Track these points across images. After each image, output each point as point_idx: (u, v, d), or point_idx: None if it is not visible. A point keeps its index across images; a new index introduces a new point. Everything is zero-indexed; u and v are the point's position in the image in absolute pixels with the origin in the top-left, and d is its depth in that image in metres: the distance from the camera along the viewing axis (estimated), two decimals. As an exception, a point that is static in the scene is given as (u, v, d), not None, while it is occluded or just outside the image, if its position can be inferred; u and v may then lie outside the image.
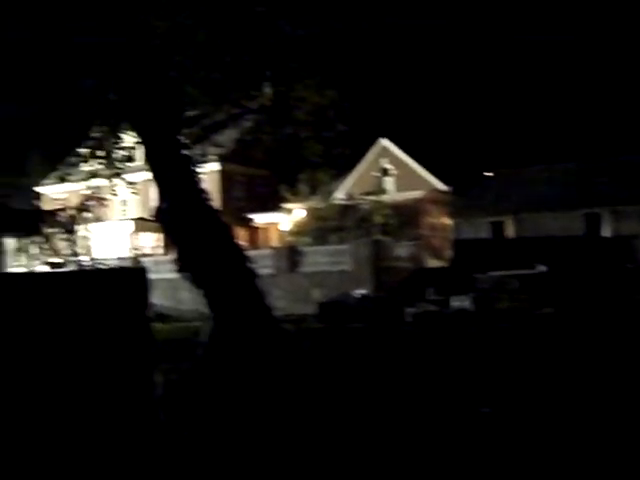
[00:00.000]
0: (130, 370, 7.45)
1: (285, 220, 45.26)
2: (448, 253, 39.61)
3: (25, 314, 6.83)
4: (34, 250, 14.37)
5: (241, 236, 12.94)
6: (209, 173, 12.43)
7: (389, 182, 45.72)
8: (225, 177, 47.23)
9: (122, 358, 7.30)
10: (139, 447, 7.41)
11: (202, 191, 12.43)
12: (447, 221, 44.10)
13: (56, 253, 14.00)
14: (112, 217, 47.37)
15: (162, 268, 38.26)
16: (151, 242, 49.00)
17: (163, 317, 27.99)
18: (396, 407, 10.24)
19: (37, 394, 6.94)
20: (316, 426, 9.30)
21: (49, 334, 6.90)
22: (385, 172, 45.95)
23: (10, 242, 14.61)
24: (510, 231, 42.04)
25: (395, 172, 45.58)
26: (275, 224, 47.73)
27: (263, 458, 8.09)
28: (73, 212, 13.45)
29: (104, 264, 31.66)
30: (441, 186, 44.27)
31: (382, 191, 43.77)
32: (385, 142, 45.62)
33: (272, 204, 46.03)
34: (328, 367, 13.70)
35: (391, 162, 45.74)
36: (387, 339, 19.25)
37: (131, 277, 7.55)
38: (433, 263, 38.37)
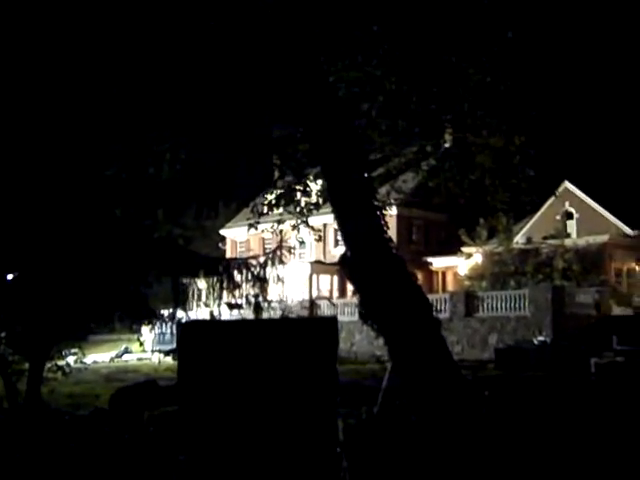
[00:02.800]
0: (321, 412, 7.65)
1: (462, 264, 44.88)
2: (636, 300, 37.92)
3: (241, 357, 7.36)
4: (223, 294, 15.04)
5: (419, 280, 13.01)
6: (388, 217, 12.60)
7: (572, 226, 44.43)
8: (404, 221, 47.54)
9: (315, 402, 7.53)
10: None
11: (388, 240, 12.57)
12: (635, 267, 42.26)
13: (246, 297, 14.60)
14: (290, 259, 48.71)
15: (338, 310, 39.02)
16: (327, 285, 49.95)
17: (339, 359, 28.32)
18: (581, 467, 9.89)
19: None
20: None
21: (264, 374, 7.33)
22: (568, 215, 44.68)
23: (202, 283, 15.35)
24: None
25: (578, 215, 44.24)
26: (453, 268, 47.42)
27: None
28: (262, 260, 13.99)
29: (290, 309, 32.57)
30: (628, 230, 42.53)
31: (565, 235, 42.55)
32: (568, 185, 44.41)
33: (449, 248, 45.82)
34: (509, 419, 13.40)
35: (574, 205, 44.45)
36: (570, 390, 18.57)
37: (325, 326, 7.80)
38: (619, 311, 36.77)
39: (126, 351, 45.64)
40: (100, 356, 42.20)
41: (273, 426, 7.60)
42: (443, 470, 9.76)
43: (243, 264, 14.37)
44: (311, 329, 7.75)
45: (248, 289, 14.45)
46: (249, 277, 14.27)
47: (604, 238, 41.32)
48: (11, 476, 10.34)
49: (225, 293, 15.46)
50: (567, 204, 44.58)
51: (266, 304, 15.09)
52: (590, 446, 11.42)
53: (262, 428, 7.60)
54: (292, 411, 7.61)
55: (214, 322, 12.15)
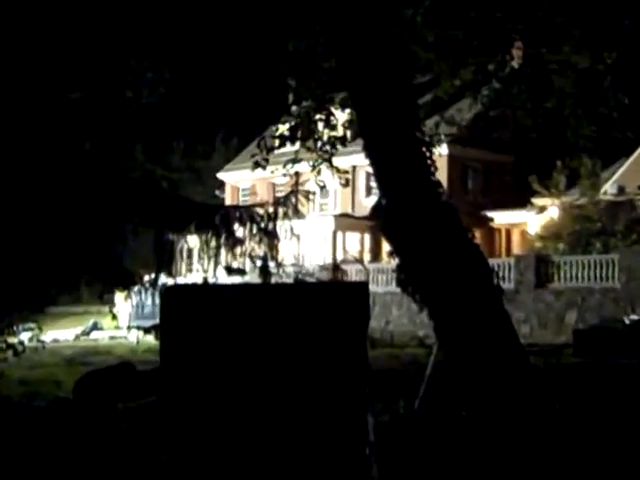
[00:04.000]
0: (346, 406, 7.72)
1: (533, 220, 44.74)
2: None
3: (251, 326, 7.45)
4: (220, 252, 15.04)
5: (476, 238, 12.92)
6: (437, 158, 12.52)
7: (678, 172, 44.14)
8: (457, 163, 47.36)
9: (337, 393, 7.60)
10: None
11: (436, 183, 12.57)
12: None
13: (250, 257, 14.59)
14: (309, 211, 48.79)
15: (370, 278, 39.10)
16: (356, 245, 50.00)
17: (371, 341, 28.51)
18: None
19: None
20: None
21: (271, 356, 7.45)
22: (673, 159, 44.38)
23: (194, 241, 15.38)
24: None
25: (687, 159, 43.96)
26: (520, 225, 47.30)
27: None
28: (271, 208, 13.97)
29: (307, 273, 32.65)
30: None
31: (668, 184, 42.30)
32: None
33: (516, 199, 45.64)
34: (589, 418, 13.47)
35: (682, 146, 44.11)
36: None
37: (353, 294, 7.84)
38: None
39: (95, 327, 46.18)
40: (62, 333, 42.70)
41: (282, 423, 7.68)
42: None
43: (246, 214, 14.37)
44: (334, 297, 7.77)
45: (253, 247, 14.48)
46: (254, 231, 14.29)
47: None
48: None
49: (223, 252, 15.50)
50: (672, 144, 44.28)
51: (276, 267, 15.11)
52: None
53: (268, 425, 7.69)
54: (307, 404, 7.69)
55: (206, 287, 12.20)
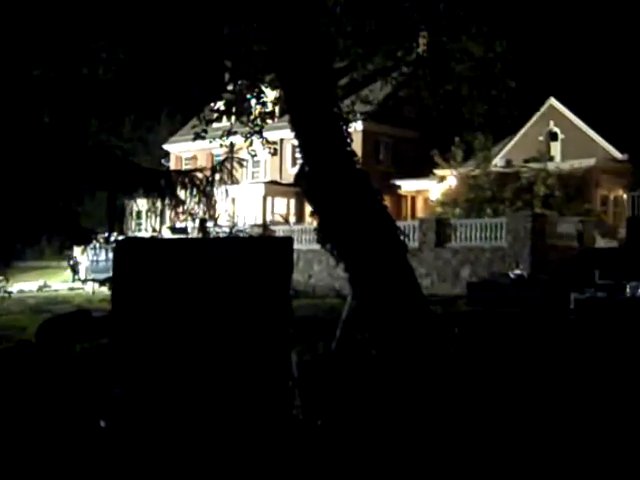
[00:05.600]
0: (272, 344, 7.68)
1: (434, 188, 44.96)
2: (622, 232, 38.41)
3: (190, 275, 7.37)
4: (165, 212, 14.86)
5: (386, 204, 13.01)
6: (353, 132, 12.53)
7: (556, 148, 44.56)
8: (370, 138, 47.34)
9: (265, 332, 7.55)
10: (272, 428, 7.63)
11: (351, 153, 12.52)
12: (622, 194, 42.68)
13: (191, 216, 14.43)
14: (242, 179, 48.46)
15: (295, 237, 38.97)
16: (283, 208, 49.90)
17: (295, 292, 28.47)
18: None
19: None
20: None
21: (208, 300, 7.34)
22: (552, 136, 44.77)
23: (142, 203, 15.16)
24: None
25: (563, 136, 44.38)
26: (423, 192, 47.50)
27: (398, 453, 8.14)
28: (209, 173, 13.83)
29: (240, 230, 32.43)
30: (617, 154, 42.79)
31: (548, 158, 42.67)
32: (554, 102, 44.38)
33: (421, 170, 45.79)
34: (479, 357, 13.60)
35: (559, 125, 44.47)
36: (546, 328, 18.87)
37: (279, 247, 7.78)
38: (604, 242, 37.29)
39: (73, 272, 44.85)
40: (27, 285, 41.97)
41: (218, 357, 7.62)
42: (402, 408, 9.90)
43: (188, 179, 14.17)
44: (263, 249, 7.72)
45: (193, 207, 14.30)
46: (194, 193, 14.11)
47: (590, 162, 41.52)
48: None
49: (168, 213, 15.29)
50: (552, 124, 44.64)
51: (213, 225, 14.98)
52: (563, 386, 11.66)
53: (206, 360, 7.62)
54: (239, 341, 7.63)
55: (153, 240, 12.07)
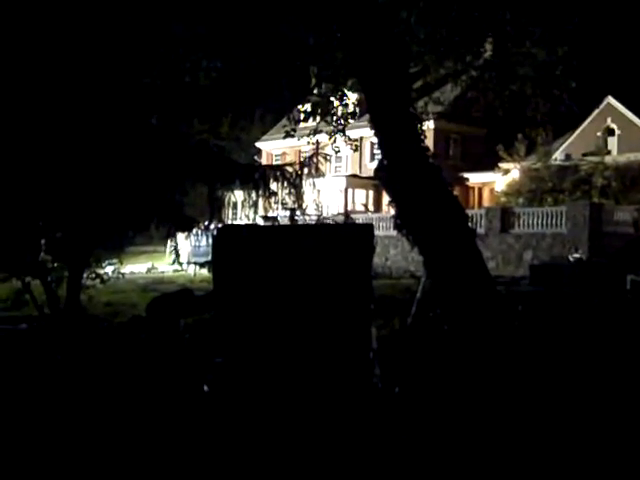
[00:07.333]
0: (355, 318, 7.72)
1: (499, 180, 44.47)
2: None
3: (281, 259, 7.44)
4: (258, 203, 15.06)
5: (455, 194, 13.02)
6: (426, 130, 12.53)
7: (612, 142, 43.58)
8: (441, 135, 47.05)
9: (349, 308, 7.60)
10: (355, 395, 7.68)
11: (424, 149, 12.49)
12: (676, 185, 41.54)
13: (282, 206, 14.60)
14: (326, 173, 48.49)
15: (373, 224, 38.92)
16: (362, 199, 49.90)
17: (374, 274, 28.40)
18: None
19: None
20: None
21: (299, 279, 7.40)
22: (609, 132, 43.79)
23: (238, 195, 15.36)
24: None
25: (620, 132, 43.38)
26: (489, 184, 47.02)
27: (471, 422, 8.12)
28: (298, 167, 13.96)
29: (325, 218, 32.54)
30: (671, 148, 41.69)
31: (605, 152, 41.79)
32: (611, 100, 43.41)
33: (487, 163, 45.36)
34: (540, 332, 13.45)
35: (616, 121, 43.48)
36: (604, 306, 18.54)
37: (361, 232, 7.82)
38: (658, 229, 36.33)
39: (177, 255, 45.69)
40: (137, 267, 42.77)
41: (307, 330, 7.69)
42: (473, 377, 9.87)
43: (279, 172, 14.31)
44: (347, 234, 7.79)
45: (284, 198, 14.44)
46: (285, 185, 14.23)
47: (645, 156, 40.57)
48: (52, 375, 10.66)
49: (261, 203, 15.46)
50: (609, 120, 43.68)
51: (302, 214, 15.10)
52: (619, 360, 11.47)
53: (296, 332, 7.70)
54: (326, 317, 7.69)
55: (249, 226, 12.21)
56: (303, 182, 14.43)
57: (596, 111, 43.47)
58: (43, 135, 13.22)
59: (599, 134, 43.44)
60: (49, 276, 15.64)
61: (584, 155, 41.46)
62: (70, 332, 13.82)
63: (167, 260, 45.15)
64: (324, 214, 38.85)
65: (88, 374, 10.73)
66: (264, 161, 54.99)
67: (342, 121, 16.53)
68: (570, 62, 15.09)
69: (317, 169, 14.46)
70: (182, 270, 42.56)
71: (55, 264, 15.99)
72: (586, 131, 43.94)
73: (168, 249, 44.62)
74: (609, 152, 42.25)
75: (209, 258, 9.81)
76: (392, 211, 13.00)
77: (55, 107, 13.43)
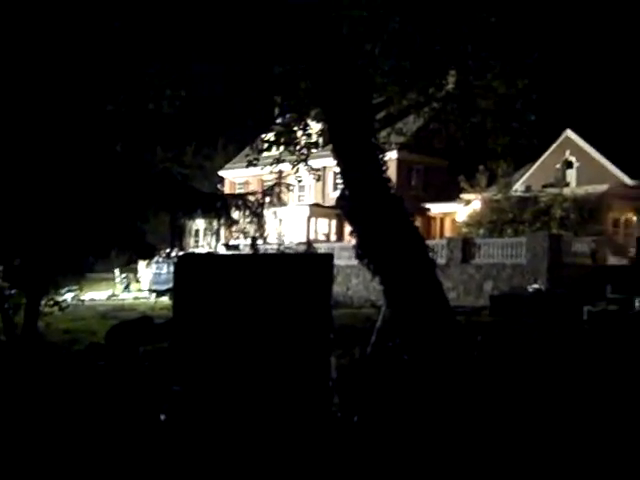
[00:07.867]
0: (314, 348, 7.71)
1: (461, 211, 44.79)
2: (632, 250, 37.97)
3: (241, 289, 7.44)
4: (220, 231, 15.02)
5: (417, 225, 13.08)
6: (388, 161, 12.63)
7: (571, 175, 44.18)
8: (404, 165, 47.39)
9: (309, 337, 7.59)
10: (314, 424, 7.66)
11: (386, 179, 12.56)
12: (632, 217, 42.20)
13: (243, 234, 14.57)
14: (289, 202, 48.62)
15: (335, 254, 38.90)
16: (325, 228, 50.01)
17: (335, 303, 28.34)
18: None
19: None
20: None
21: (258, 308, 7.40)
22: (568, 164, 44.41)
23: (200, 223, 15.33)
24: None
25: (578, 164, 44.02)
26: (451, 214, 47.33)
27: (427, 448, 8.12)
28: (260, 196, 13.97)
29: (287, 247, 32.55)
30: (627, 180, 42.34)
31: (564, 184, 42.34)
32: (570, 133, 44.09)
33: (449, 194, 45.69)
34: (499, 362, 13.52)
35: (574, 154, 44.13)
36: (561, 336, 18.70)
37: (321, 262, 7.83)
38: (615, 260, 36.86)
39: (128, 285, 45.53)
40: (97, 294, 42.34)
41: (266, 359, 7.67)
42: (431, 406, 9.88)
43: (241, 201, 14.31)
44: (307, 264, 7.78)
45: (245, 227, 14.42)
46: (247, 214, 14.24)
47: (603, 188, 41.16)
48: (7, 403, 10.48)
49: (223, 232, 15.44)
50: (567, 153, 44.31)
51: (263, 242, 15.11)
52: (575, 385, 11.56)
53: (255, 361, 7.67)
54: (286, 346, 7.67)
55: (210, 255, 12.19)
56: (265, 211, 14.43)
57: (555, 144, 44.13)
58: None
59: (558, 166, 44.04)
60: (6, 303, 15.44)
61: (544, 187, 41.93)
62: (26, 359, 13.62)
63: (118, 289, 44.89)
64: (286, 243, 39.01)
65: (42, 401, 10.56)
66: (227, 189, 55.00)
67: (305, 151, 16.58)
68: (529, 95, 15.32)
69: (279, 198, 14.51)
70: (143, 298, 42.24)
71: (12, 291, 15.80)
72: (546, 163, 44.53)
73: (117, 278, 44.49)
74: (568, 184, 42.81)
75: (170, 286, 9.75)
76: (354, 241, 13.02)
77: (15, 134, 13.33)
